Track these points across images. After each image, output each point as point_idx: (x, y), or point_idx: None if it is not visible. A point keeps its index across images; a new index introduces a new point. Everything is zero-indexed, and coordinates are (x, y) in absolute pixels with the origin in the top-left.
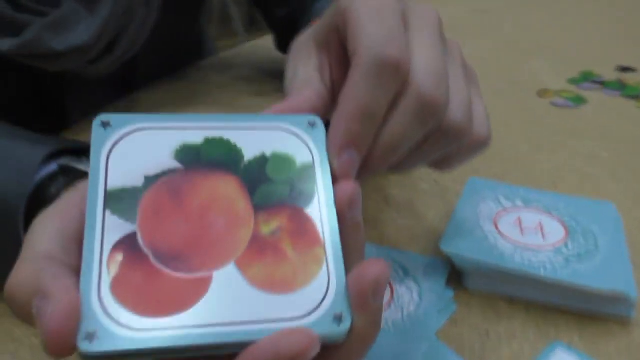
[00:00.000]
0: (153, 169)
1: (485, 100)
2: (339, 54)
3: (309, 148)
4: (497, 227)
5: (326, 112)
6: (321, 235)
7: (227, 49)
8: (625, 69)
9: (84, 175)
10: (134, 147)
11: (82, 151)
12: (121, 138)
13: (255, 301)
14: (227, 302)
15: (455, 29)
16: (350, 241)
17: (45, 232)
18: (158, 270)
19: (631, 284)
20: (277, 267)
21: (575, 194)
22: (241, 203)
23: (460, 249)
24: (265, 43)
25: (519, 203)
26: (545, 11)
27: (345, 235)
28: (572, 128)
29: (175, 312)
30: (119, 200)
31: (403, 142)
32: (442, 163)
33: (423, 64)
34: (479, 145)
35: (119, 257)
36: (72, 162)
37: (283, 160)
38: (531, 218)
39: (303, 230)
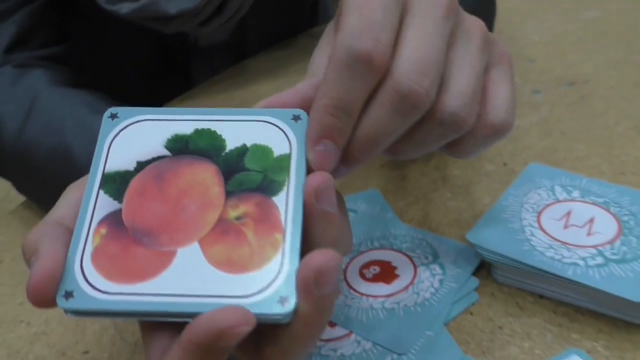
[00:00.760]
0: (145, 156)
1: (595, 72)
2: None
3: (288, 140)
4: (539, 220)
5: None
6: (283, 223)
7: None
8: None
9: None
10: (133, 136)
11: None
12: (124, 128)
13: (210, 278)
14: (185, 276)
15: None
16: (318, 231)
17: (67, 199)
18: (132, 244)
19: None
20: (235, 249)
21: None
22: (215, 189)
23: (486, 240)
24: None
25: (576, 195)
26: None
27: (312, 225)
28: None
29: (141, 281)
30: (113, 182)
31: (384, 135)
32: (453, 150)
33: (409, 53)
34: (493, 132)
35: (103, 230)
36: None
37: (261, 151)
38: (583, 212)
39: (266, 217)
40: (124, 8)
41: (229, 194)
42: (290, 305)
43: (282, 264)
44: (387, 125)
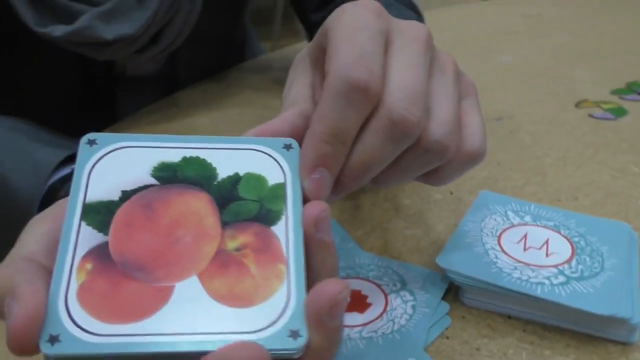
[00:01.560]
0: (130, 185)
1: (518, 109)
2: None
3: (282, 169)
4: (499, 243)
5: None
6: (285, 252)
7: (267, 52)
8: None
9: None
10: (115, 164)
11: None
12: (104, 155)
13: (214, 314)
14: (185, 313)
15: (504, 33)
16: (318, 261)
17: (33, 233)
18: (123, 279)
19: (633, 309)
20: (238, 282)
21: (596, 211)
22: (210, 219)
23: (456, 264)
24: (302, 47)
25: (528, 219)
26: (597, 19)
27: (312, 255)
28: (606, 141)
29: (136, 320)
30: (95, 213)
31: (376, 162)
32: (431, 177)
33: (398, 83)
34: (470, 159)
35: (88, 265)
36: None
37: (255, 180)
38: (538, 235)
39: (267, 247)
40: (57, 31)
41: (224, 224)
42: (302, 338)
43: (288, 296)
44: (379, 152)
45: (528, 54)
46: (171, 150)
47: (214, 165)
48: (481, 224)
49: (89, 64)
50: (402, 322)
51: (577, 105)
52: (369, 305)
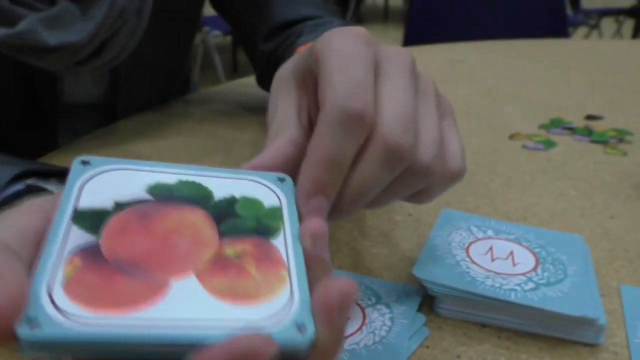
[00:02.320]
0: (124, 197)
1: (462, 136)
2: (316, 94)
3: (277, 196)
4: (469, 255)
5: (301, 156)
6: (285, 261)
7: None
8: (592, 117)
9: (50, 194)
10: (109, 181)
11: (51, 174)
12: (99, 174)
13: (215, 309)
14: (183, 307)
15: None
16: (312, 278)
17: (4, 225)
18: (116, 274)
19: (600, 310)
20: (239, 283)
21: (545, 228)
22: (207, 230)
23: (432, 275)
24: (246, 81)
25: (491, 233)
26: (518, 63)
27: (310, 272)
28: (542, 168)
29: (128, 311)
30: (87, 218)
31: (371, 187)
32: (417, 197)
33: (390, 111)
34: (453, 178)
35: (77, 261)
36: (39, 183)
37: (252, 202)
38: (503, 247)
39: (267, 256)
40: None
41: (222, 234)
42: (309, 332)
43: (292, 294)
44: (376, 178)
45: (459, 94)
46: (167, 174)
47: (210, 188)
48: (448, 238)
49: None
50: (383, 333)
51: (511, 137)
52: (347, 319)
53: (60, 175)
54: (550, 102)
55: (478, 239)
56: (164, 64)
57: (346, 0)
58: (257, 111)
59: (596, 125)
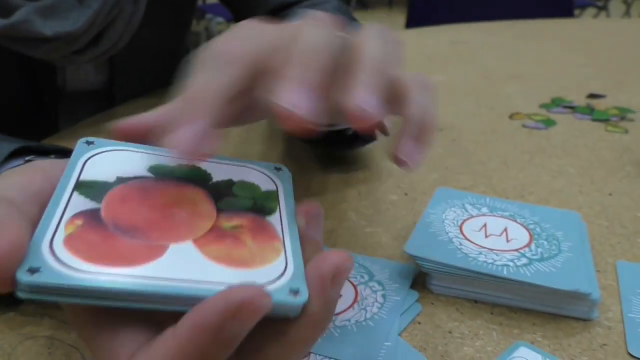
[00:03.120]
0: (126, 173)
1: (457, 121)
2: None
3: (273, 181)
4: (462, 232)
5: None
6: (281, 236)
7: None
8: (594, 96)
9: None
10: (111, 159)
11: (49, 152)
12: (102, 152)
13: (211, 270)
14: (181, 266)
15: (435, 59)
16: (308, 258)
17: (8, 182)
18: (114, 235)
19: (593, 285)
20: (235, 250)
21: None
22: (205, 205)
23: (424, 251)
24: None
25: (485, 210)
26: (522, 43)
27: (304, 252)
28: (541, 147)
29: (126, 265)
30: (89, 188)
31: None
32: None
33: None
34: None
35: (78, 221)
36: (38, 159)
37: (249, 185)
38: (496, 224)
39: (262, 230)
40: None
41: (220, 210)
42: (302, 296)
43: (287, 263)
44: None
45: (460, 75)
46: (168, 158)
47: (209, 172)
48: (442, 215)
49: (33, 71)
50: (374, 310)
51: (511, 117)
52: (339, 296)
53: (59, 153)
54: (553, 83)
55: (472, 216)
56: (161, 48)
57: None
58: None
59: (598, 104)
